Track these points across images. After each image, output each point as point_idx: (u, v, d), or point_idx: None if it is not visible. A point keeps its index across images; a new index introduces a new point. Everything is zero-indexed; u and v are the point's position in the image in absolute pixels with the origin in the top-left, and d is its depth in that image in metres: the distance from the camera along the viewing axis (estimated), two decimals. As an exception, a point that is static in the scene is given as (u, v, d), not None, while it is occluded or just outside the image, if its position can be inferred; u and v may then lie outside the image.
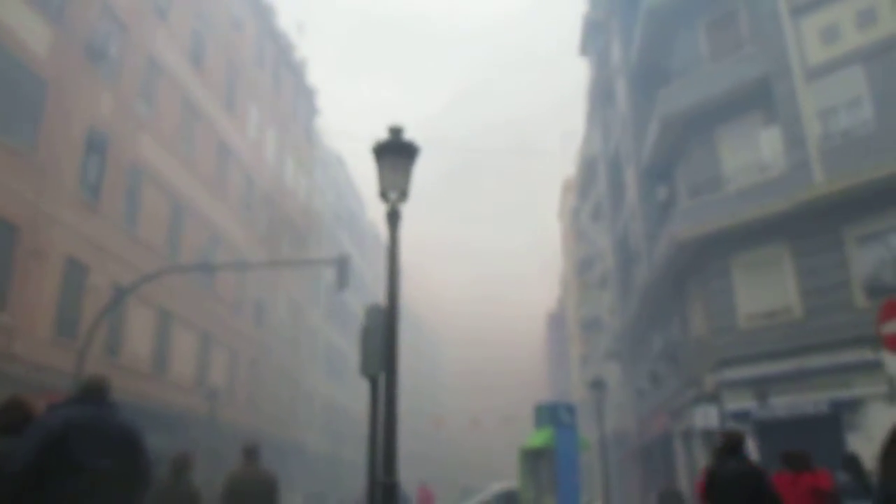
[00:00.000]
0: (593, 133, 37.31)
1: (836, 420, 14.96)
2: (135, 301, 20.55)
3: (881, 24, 15.95)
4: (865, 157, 15.16)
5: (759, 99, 18.05)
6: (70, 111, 18.15)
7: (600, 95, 32.99)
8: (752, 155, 18.27)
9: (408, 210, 7.90)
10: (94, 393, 4.35)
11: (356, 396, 46.09)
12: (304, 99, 41.11)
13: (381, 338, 7.55)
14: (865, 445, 13.08)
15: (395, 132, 7.93)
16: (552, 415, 16.00)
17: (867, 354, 14.17)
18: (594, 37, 34.02)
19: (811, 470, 7.85)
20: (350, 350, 46.70)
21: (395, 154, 7.88)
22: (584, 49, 37.28)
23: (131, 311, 20.72)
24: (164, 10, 24.02)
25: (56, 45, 17.67)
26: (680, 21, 20.64)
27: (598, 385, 23.76)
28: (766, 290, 16.98)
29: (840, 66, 16.50)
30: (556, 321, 65.98)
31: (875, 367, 13.83)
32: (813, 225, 16.16)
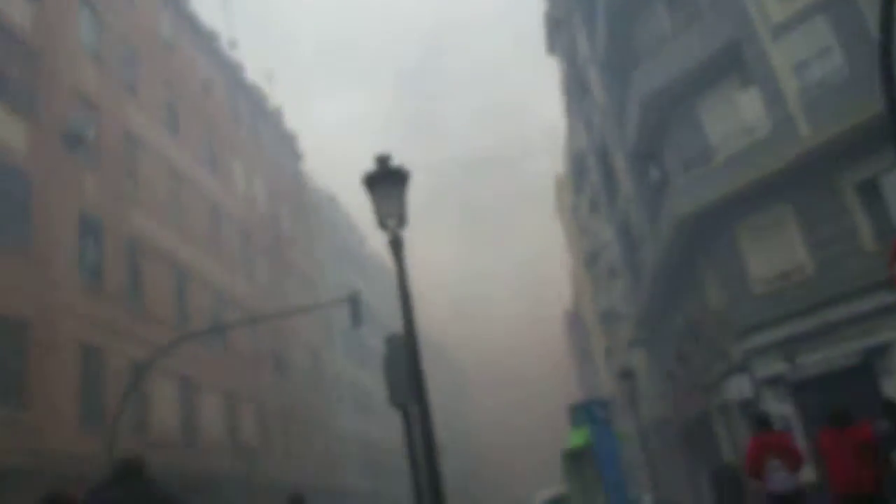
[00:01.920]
0: (576, 127, 37.41)
1: (868, 369, 14.81)
2: (156, 374, 20.52)
3: (837, -29, 15.99)
4: (846, 103, 15.14)
5: (732, 63, 18.07)
6: (58, 200, 18.23)
7: (575, 89, 33.10)
8: (736, 120, 18.27)
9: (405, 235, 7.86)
10: (129, 472, 4.34)
11: (390, 430, 45.88)
12: (285, 145, 41.31)
13: (405, 365, 7.51)
14: (903, 388, 12.97)
15: (383, 161, 7.92)
16: (587, 413, 15.89)
17: (887, 298, 14.08)
18: (559, 34, 34.20)
19: (853, 424, 7.81)
20: (375, 385, 46.52)
21: (387, 182, 7.85)
22: (552, 47, 37.46)
23: (153, 385, 20.68)
24: (133, 84, 24.19)
25: (33, 138, 17.79)
26: (639, 3, 20.75)
27: (626, 375, 23.65)
28: (775, 252, 16.90)
29: (803, 19, 16.53)
30: (574, 319, 65.74)
31: (897, 308, 13.76)
32: (808, 179, 16.11)
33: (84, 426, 17.15)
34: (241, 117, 34.90)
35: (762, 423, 8.40)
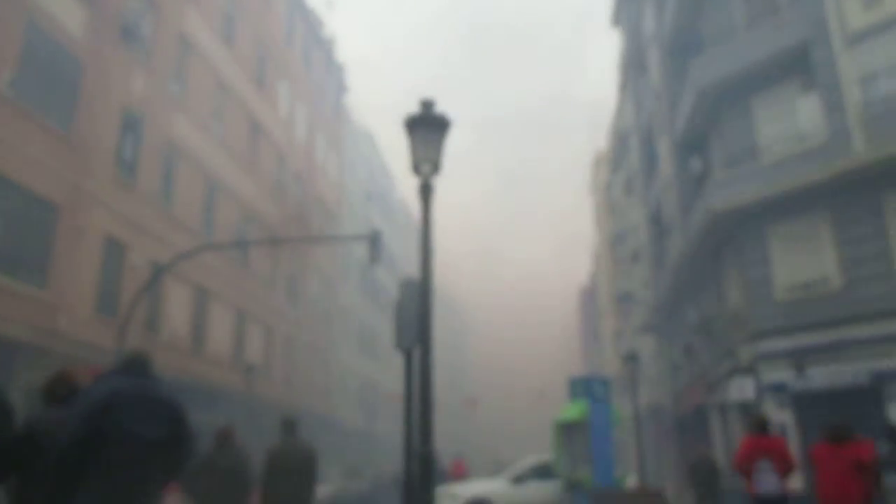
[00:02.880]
0: (626, 105, 36.83)
1: (876, 391, 14.73)
2: (172, 279, 20.90)
3: (925, -14, 15.43)
4: (908, 123, 14.76)
5: (797, 66, 17.63)
6: (105, 91, 18.37)
7: (633, 67, 32.49)
8: (790, 124, 17.89)
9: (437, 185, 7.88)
10: (137, 365, 4.43)
11: (389, 373, 46.54)
12: (333, 75, 41.12)
13: (415, 310, 7.58)
14: (907, 417, 12.91)
15: (427, 105, 7.90)
16: (586, 388, 16.02)
17: (909, 325, 13.92)
18: (626, 6, 33.45)
19: (853, 441, 7.78)
20: (383, 327, 47.05)
21: (428, 127, 7.84)
22: (617, 19, 36.68)
23: (169, 288, 21.07)
24: (194, -11, 24.09)
25: (90, 25, 17.86)
26: (715, -12, 20.19)
27: (631, 359, 23.67)
28: (803, 261, 16.70)
29: (882, 30, 16.01)
30: (589, 296, 65.71)
31: (917, 337, 13.60)
32: (852, 194, 15.81)
33: (98, 315, 17.56)
34: (295, 40, 34.71)
35: (760, 425, 8.41)
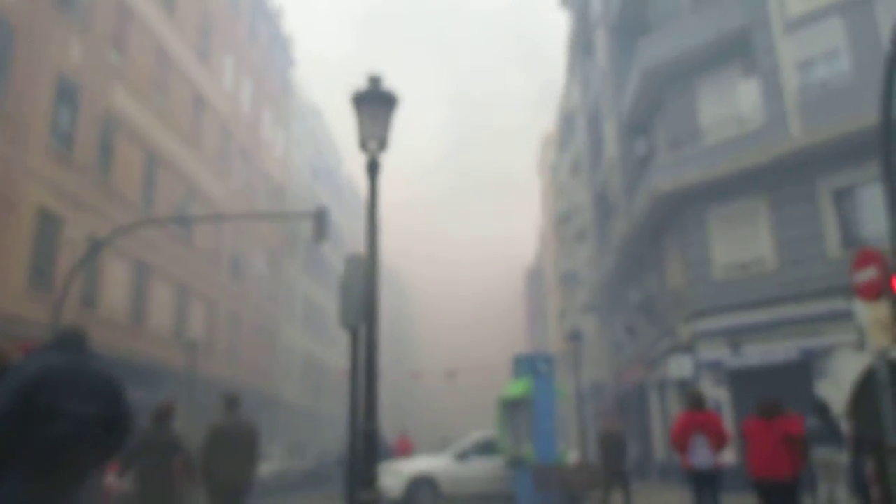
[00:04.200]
0: (573, 86, 37.10)
1: (806, 367, 15.32)
2: (111, 253, 20.35)
3: (862, -24, 15.87)
4: (842, 109, 15.23)
5: (739, 50, 18.01)
6: (40, 59, 17.66)
7: (580, 48, 32.69)
8: (731, 107, 18.30)
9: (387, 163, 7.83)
10: (71, 341, 4.30)
11: (334, 351, 46.37)
12: (280, 49, 40.32)
13: (361, 288, 7.55)
14: (834, 392, 13.46)
15: (375, 81, 7.81)
16: (530, 365, 16.23)
17: (838, 304, 14.46)
18: (575, -13, 33.55)
19: (783, 416, 8.08)
20: (328, 305, 46.77)
21: (375, 103, 7.76)
22: (564, 0, 36.79)
23: (107, 263, 20.52)
24: (134, -46, 23.25)
25: (22, -11, 17.10)
26: (661, -29, 20.40)
27: (575, 337, 24.06)
28: (741, 242, 17.19)
29: (819, 17, 16.47)
30: (535, 276, 66.45)
31: (845, 316, 14.14)
32: (789, 177, 16.30)
33: (31, 290, 17.00)
34: (240, 11, 33.88)
35: (696, 401, 8.66)
